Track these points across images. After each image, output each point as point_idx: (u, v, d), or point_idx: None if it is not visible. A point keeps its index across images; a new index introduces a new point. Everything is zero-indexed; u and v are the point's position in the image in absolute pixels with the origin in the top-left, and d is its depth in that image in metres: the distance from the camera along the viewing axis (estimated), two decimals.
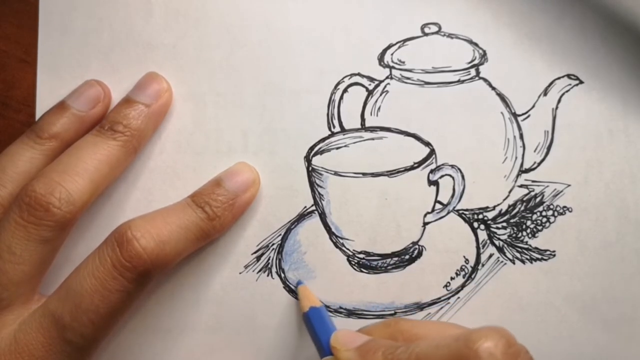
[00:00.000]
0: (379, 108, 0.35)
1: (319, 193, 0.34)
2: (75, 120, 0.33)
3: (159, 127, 0.35)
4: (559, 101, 0.34)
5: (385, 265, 0.34)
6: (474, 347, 0.24)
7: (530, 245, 0.34)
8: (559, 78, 0.35)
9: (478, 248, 0.34)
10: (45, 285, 0.32)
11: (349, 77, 0.35)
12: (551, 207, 0.34)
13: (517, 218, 0.34)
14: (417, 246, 0.34)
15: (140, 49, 0.35)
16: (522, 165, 0.34)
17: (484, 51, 0.35)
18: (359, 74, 0.35)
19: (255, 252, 0.34)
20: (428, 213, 0.34)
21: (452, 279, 0.34)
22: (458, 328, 0.30)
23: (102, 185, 0.32)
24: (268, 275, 0.34)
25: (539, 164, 0.34)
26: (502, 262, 0.34)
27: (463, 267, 0.34)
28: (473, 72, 0.35)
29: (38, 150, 0.32)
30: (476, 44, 0.35)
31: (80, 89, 0.34)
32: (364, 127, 0.35)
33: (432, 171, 0.34)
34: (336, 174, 0.34)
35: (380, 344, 0.27)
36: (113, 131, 0.32)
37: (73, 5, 0.35)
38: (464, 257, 0.34)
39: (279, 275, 0.34)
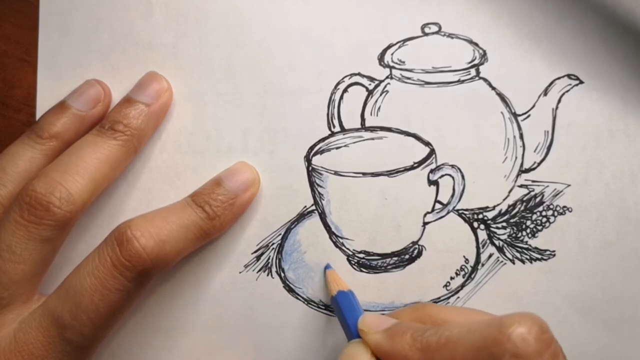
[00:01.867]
0: (379, 108, 0.35)
1: (319, 193, 0.34)
2: (75, 119, 0.33)
3: (159, 127, 0.35)
4: (559, 101, 0.34)
5: (385, 265, 0.34)
6: (507, 332, 0.24)
7: (530, 245, 0.34)
8: (559, 78, 0.35)
9: (478, 248, 0.34)
10: (45, 285, 0.32)
11: (349, 77, 0.35)
12: (551, 207, 0.34)
13: (517, 218, 0.34)
14: (417, 246, 0.34)
15: (140, 49, 0.35)
16: (522, 165, 0.34)
17: (484, 51, 0.35)
18: (359, 74, 0.35)
19: (255, 252, 0.34)
20: (428, 213, 0.34)
21: (451, 278, 0.34)
22: (486, 314, 0.29)
23: (102, 184, 0.32)
24: (268, 275, 0.34)
25: (539, 164, 0.34)
26: (502, 262, 0.34)
27: (463, 267, 0.34)
28: (473, 72, 0.35)
29: (38, 149, 0.32)
30: (476, 44, 0.35)
31: (81, 89, 0.34)
32: (364, 127, 0.35)
33: (432, 171, 0.34)
34: (336, 173, 0.34)
35: (408, 326, 0.27)
36: (113, 131, 0.32)
37: (73, 5, 0.35)
38: (464, 257, 0.34)
39: (279, 275, 0.34)
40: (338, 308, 0.31)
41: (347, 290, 0.32)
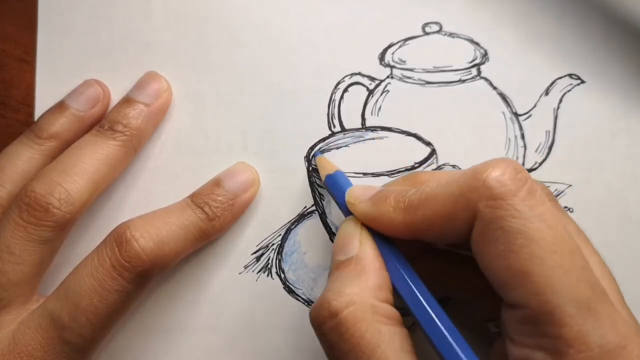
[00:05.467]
0: (379, 108, 0.35)
1: (319, 193, 0.34)
2: (74, 120, 0.33)
3: (158, 127, 0.35)
4: (560, 101, 0.34)
5: None
6: (481, 178, 0.24)
7: None
8: (560, 78, 0.34)
9: None
10: (44, 285, 0.32)
11: (350, 76, 0.35)
12: None
13: None
14: None
15: (140, 49, 0.35)
16: (523, 165, 0.34)
17: (485, 51, 0.35)
18: (359, 74, 0.35)
19: (255, 253, 0.34)
20: None
21: None
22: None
23: (101, 185, 0.32)
24: (268, 276, 0.34)
25: (540, 164, 0.34)
26: None
27: None
28: (474, 71, 0.34)
29: (37, 150, 0.32)
30: (477, 44, 0.35)
31: (80, 89, 0.34)
32: (364, 127, 0.35)
33: None
34: None
35: (392, 190, 0.27)
36: (113, 131, 0.32)
37: (72, 5, 0.35)
38: None
39: (279, 276, 0.34)
40: (330, 192, 0.31)
41: (334, 171, 0.31)
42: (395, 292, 0.26)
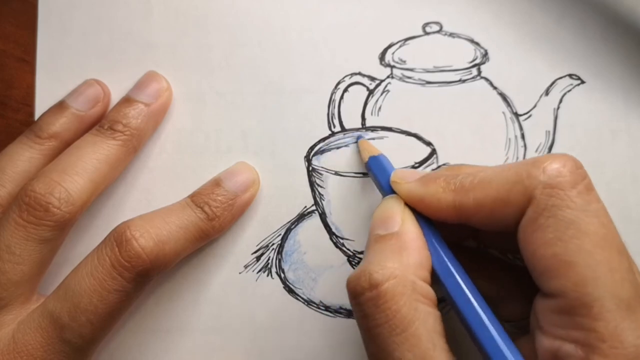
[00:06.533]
0: (379, 108, 0.35)
1: (319, 193, 0.34)
2: (74, 119, 0.33)
3: (158, 127, 0.35)
4: (560, 101, 0.34)
5: None
6: (542, 166, 0.25)
7: None
8: (560, 78, 0.34)
9: None
10: (44, 285, 0.32)
11: (350, 76, 0.35)
12: None
13: None
14: None
15: (140, 49, 0.35)
16: None
17: (486, 50, 0.35)
18: (359, 74, 0.35)
19: (255, 252, 0.34)
20: None
21: None
22: None
23: (101, 184, 0.32)
24: (268, 276, 0.34)
25: None
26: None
27: None
28: (474, 71, 0.34)
29: (37, 150, 0.32)
30: (477, 44, 0.35)
31: (80, 89, 0.34)
32: (364, 127, 0.35)
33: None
34: (337, 173, 0.34)
35: (441, 173, 0.27)
36: (113, 130, 0.32)
37: (72, 5, 0.35)
38: None
39: (279, 276, 0.34)
40: (371, 172, 0.31)
41: (377, 154, 0.32)
42: (433, 274, 0.27)
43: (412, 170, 0.29)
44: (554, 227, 0.24)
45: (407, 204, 0.28)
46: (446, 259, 0.27)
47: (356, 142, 0.34)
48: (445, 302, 0.27)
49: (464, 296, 0.25)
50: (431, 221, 0.28)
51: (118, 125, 0.32)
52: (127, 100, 0.33)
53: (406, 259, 0.26)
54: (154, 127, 0.34)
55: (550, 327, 0.24)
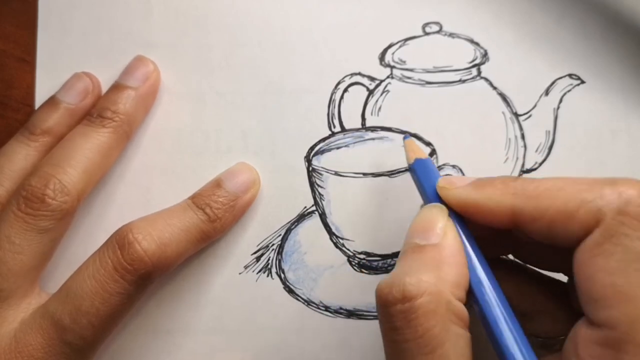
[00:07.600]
0: (379, 108, 0.34)
1: (319, 193, 0.34)
2: (66, 113, 0.33)
3: (158, 127, 0.35)
4: (560, 101, 0.34)
5: (386, 265, 0.34)
6: (618, 190, 0.23)
7: None
8: (560, 78, 0.34)
9: None
10: (45, 282, 0.32)
11: (350, 76, 0.35)
12: None
13: None
14: None
15: (140, 49, 0.35)
16: (523, 165, 0.34)
17: (485, 51, 0.35)
18: (359, 74, 0.35)
19: (255, 253, 0.34)
20: None
21: None
22: None
23: (96, 174, 0.32)
24: (268, 276, 0.34)
25: (541, 164, 0.34)
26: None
27: None
28: (474, 71, 0.34)
29: (32, 147, 0.33)
30: (477, 44, 0.35)
31: (69, 83, 0.34)
32: (364, 127, 0.35)
33: None
34: (336, 174, 0.34)
35: (496, 178, 0.26)
36: (102, 118, 0.32)
37: (72, 5, 0.35)
38: None
39: (279, 276, 0.34)
40: (416, 177, 0.29)
41: (424, 158, 0.30)
42: (469, 293, 0.25)
43: (461, 176, 0.28)
44: (620, 256, 0.22)
45: (450, 216, 0.27)
46: (486, 280, 0.25)
47: (404, 139, 0.32)
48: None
49: (499, 327, 0.24)
50: (473, 236, 0.26)
51: (107, 112, 0.32)
52: (115, 87, 0.34)
53: (444, 274, 0.24)
54: (144, 111, 0.34)
55: (589, 358, 0.23)
